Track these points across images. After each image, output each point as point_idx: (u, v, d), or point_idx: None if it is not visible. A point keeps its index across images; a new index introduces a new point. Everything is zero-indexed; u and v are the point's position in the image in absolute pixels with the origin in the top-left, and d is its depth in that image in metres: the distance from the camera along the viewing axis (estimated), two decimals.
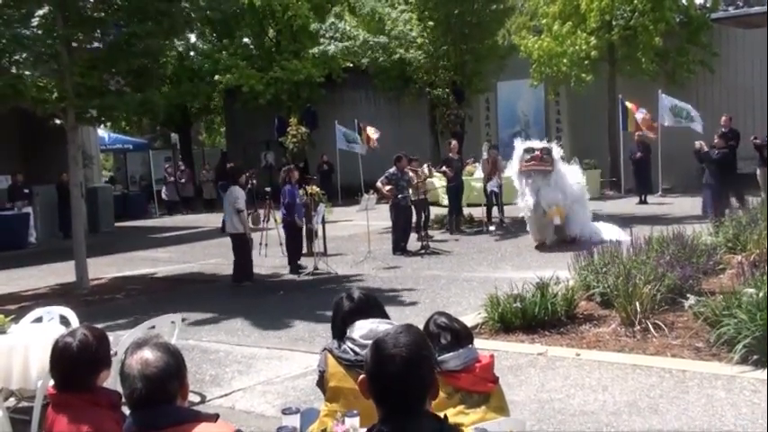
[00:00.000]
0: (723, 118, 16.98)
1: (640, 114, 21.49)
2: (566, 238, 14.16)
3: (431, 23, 21.55)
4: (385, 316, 3.98)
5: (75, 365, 3.21)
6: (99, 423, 3.09)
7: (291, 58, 28.47)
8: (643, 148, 21.33)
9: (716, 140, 15.61)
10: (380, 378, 2.32)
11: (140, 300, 11.86)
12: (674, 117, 21.06)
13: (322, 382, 3.89)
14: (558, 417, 5.76)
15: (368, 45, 23.86)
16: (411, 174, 15.33)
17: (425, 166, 17.11)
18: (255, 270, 13.68)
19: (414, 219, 15.62)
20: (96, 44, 12.91)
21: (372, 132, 23.20)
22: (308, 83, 28.54)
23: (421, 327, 3.11)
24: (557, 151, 14.36)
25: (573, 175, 14.84)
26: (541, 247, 14.07)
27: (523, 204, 14.23)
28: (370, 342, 3.55)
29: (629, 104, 21.98)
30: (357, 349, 3.71)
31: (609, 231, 13.79)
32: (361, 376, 2.42)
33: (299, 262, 13.62)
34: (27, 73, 12.45)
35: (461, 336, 3.66)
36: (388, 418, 2.31)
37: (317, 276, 12.87)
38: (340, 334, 3.90)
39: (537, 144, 14.55)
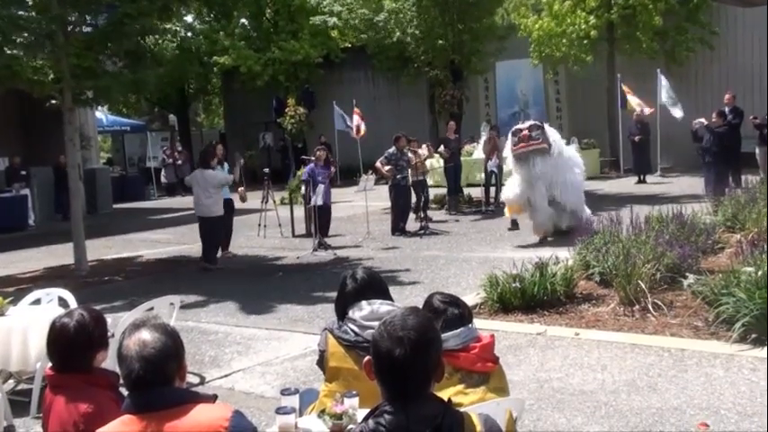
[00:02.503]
0: (726, 96, 16.81)
1: (635, 98, 21.42)
2: (561, 227, 12.80)
3: (427, 2, 21.36)
4: (388, 297, 3.97)
5: (72, 346, 3.21)
6: (97, 403, 3.09)
7: (289, 39, 28.34)
8: (642, 128, 21.27)
9: (714, 118, 15.49)
10: (387, 360, 2.31)
11: (139, 281, 11.86)
12: (667, 99, 21.04)
13: (322, 362, 3.89)
14: (557, 396, 5.77)
15: (368, 22, 23.70)
16: (411, 154, 15.29)
17: (425, 146, 17.03)
18: (256, 251, 13.74)
19: (413, 199, 15.59)
20: (91, 25, 12.81)
21: (361, 124, 22.93)
22: (306, 63, 28.44)
23: (420, 307, 3.09)
24: (550, 128, 13.23)
25: (575, 158, 13.52)
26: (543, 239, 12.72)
27: (512, 195, 12.87)
28: (370, 323, 3.57)
29: (624, 87, 21.83)
30: (357, 330, 3.71)
31: None
32: (367, 358, 2.41)
33: (324, 240, 13.57)
34: (22, 54, 12.37)
35: (464, 315, 3.65)
36: (392, 400, 2.31)
37: (316, 258, 12.86)
38: (342, 314, 3.89)
39: (524, 124, 13.15)
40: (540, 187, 12.54)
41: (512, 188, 12.93)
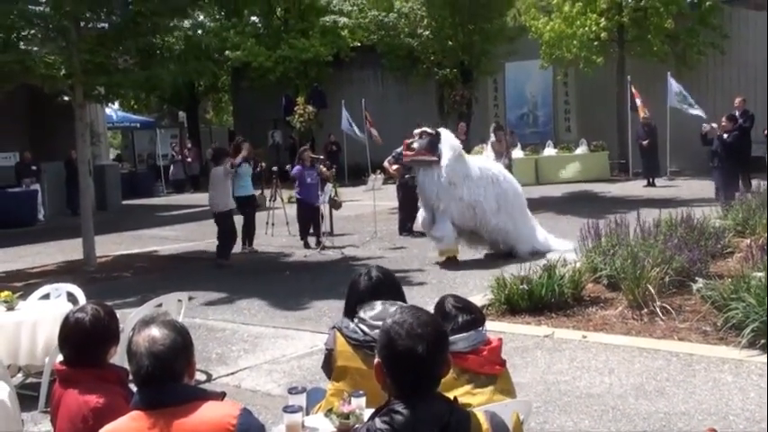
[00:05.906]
0: (737, 100, 16.68)
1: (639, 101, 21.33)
2: (500, 251, 11.67)
3: (438, 2, 21.32)
4: (401, 297, 3.94)
5: (88, 340, 3.24)
6: (107, 398, 3.11)
7: (299, 37, 28.35)
8: (648, 132, 21.17)
9: (723, 122, 15.40)
10: (408, 358, 2.32)
11: (147, 278, 11.88)
12: (677, 103, 20.85)
13: (328, 362, 3.86)
14: (564, 399, 5.76)
15: (379, 22, 23.70)
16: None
17: None
18: (263, 248, 13.77)
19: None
20: (104, 22, 12.86)
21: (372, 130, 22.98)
22: (316, 61, 28.43)
23: (429, 308, 3.09)
24: (447, 137, 11.34)
25: (490, 170, 11.66)
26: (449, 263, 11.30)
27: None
28: (379, 323, 3.55)
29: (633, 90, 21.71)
30: (366, 329, 3.68)
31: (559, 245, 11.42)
32: (377, 360, 2.41)
33: (306, 239, 13.77)
34: (35, 49, 12.42)
35: (476, 319, 3.66)
36: (400, 399, 2.31)
37: (324, 256, 12.86)
38: (352, 312, 3.86)
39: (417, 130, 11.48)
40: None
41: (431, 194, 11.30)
